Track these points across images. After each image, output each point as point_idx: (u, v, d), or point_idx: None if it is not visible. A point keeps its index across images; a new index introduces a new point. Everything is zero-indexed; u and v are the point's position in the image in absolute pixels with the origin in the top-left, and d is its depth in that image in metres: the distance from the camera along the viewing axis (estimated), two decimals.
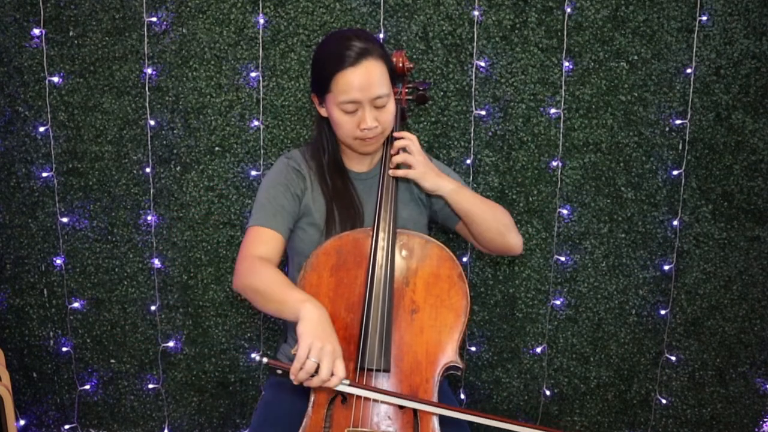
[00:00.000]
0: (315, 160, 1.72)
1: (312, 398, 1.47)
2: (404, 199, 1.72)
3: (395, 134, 1.66)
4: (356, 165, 1.73)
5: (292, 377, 1.34)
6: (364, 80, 1.54)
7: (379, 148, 1.68)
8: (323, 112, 1.66)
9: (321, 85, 1.60)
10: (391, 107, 1.61)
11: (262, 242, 1.61)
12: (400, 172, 1.63)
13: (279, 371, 1.36)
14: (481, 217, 1.67)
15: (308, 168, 1.71)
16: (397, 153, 1.66)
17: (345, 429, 1.43)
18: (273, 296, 1.46)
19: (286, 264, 1.86)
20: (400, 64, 1.70)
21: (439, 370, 1.49)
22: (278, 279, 1.49)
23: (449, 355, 1.50)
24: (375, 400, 1.45)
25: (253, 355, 1.37)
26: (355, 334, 1.50)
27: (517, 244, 1.73)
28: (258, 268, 1.52)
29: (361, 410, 1.45)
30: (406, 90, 1.73)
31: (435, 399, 1.48)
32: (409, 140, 1.65)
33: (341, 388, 1.37)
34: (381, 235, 1.56)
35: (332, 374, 1.34)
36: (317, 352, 1.33)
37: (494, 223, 1.69)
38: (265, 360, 1.36)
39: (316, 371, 1.34)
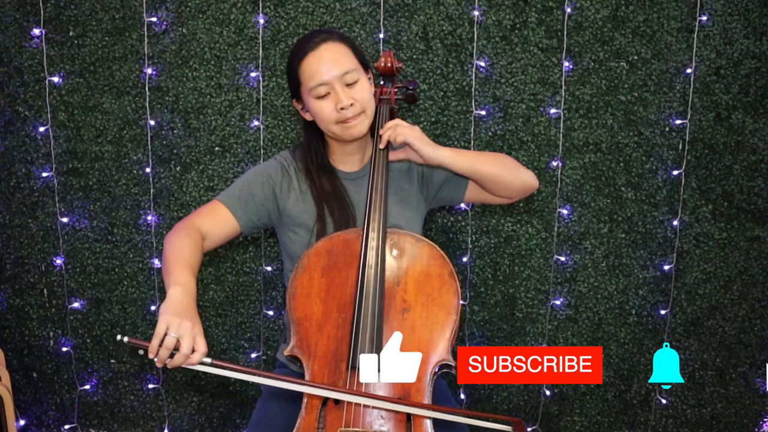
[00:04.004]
0: (303, 164, 1.72)
1: (305, 399, 1.47)
2: (395, 198, 1.71)
3: (381, 131, 1.65)
4: (345, 165, 1.73)
5: (151, 355, 1.33)
6: (327, 59, 1.57)
7: (364, 131, 1.65)
8: (307, 116, 1.67)
9: (294, 83, 1.63)
10: (364, 84, 1.62)
11: (212, 216, 1.63)
12: (400, 138, 1.60)
13: (141, 351, 1.34)
14: (490, 169, 1.65)
15: (296, 170, 1.71)
16: (386, 146, 1.65)
17: (338, 429, 1.43)
18: (166, 266, 1.48)
19: (282, 266, 1.86)
20: (389, 64, 1.71)
21: (431, 369, 1.49)
22: (181, 254, 1.50)
23: (441, 353, 1.50)
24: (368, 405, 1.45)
25: (118, 338, 1.34)
26: (347, 334, 1.50)
27: (532, 178, 1.70)
28: (181, 235, 1.55)
29: (353, 410, 1.45)
30: (395, 89, 1.73)
31: (428, 398, 1.47)
32: (390, 127, 1.61)
33: (202, 368, 1.35)
34: (371, 234, 1.56)
35: (193, 350, 1.33)
36: (176, 327, 1.32)
37: (503, 168, 1.67)
38: (126, 339, 1.32)
39: (177, 349, 1.32)
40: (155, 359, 1.33)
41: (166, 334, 1.32)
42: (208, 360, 1.36)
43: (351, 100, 1.58)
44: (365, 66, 1.65)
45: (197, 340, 1.34)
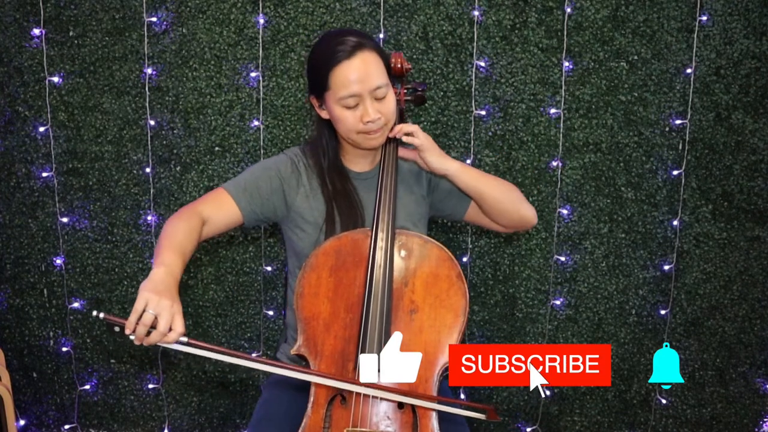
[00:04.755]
0: (314, 161, 1.71)
1: (311, 398, 1.47)
2: (404, 200, 1.71)
3: (392, 132, 1.65)
4: (356, 165, 1.73)
5: (128, 331, 1.30)
6: (362, 72, 1.54)
7: (383, 142, 1.65)
8: (324, 114, 1.65)
9: (319, 84, 1.59)
10: (391, 98, 1.60)
11: (215, 203, 1.63)
12: (409, 140, 1.61)
13: (116, 328, 1.31)
14: (492, 192, 1.65)
15: (306, 167, 1.70)
16: (396, 139, 1.66)
17: (344, 429, 1.43)
18: (157, 248, 1.47)
19: (285, 264, 1.86)
20: (399, 65, 1.70)
21: (438, 371, 1.49)
22: (174, 237, 1.49)
23: (448, 355, 1.50)
24: (375, 397, 1.45)
25: (94, 314, 1.32)
26: (354, 334, 1.50)
27: (531, 215, 1.71)
28: (179, 220, 1.54)
29: (360, 410, 1.45)
30: (405, 91, 1.73)
31: None
32: (410, 128, 1.63)
33: (178, 347, 1.34)
34: (380, 235, 1.55)
35: (171, 330, 1.32)
36: (155, 305, 1.30)
37: (506, 195, 1.67)
38: (101, 315, 1.30)
39: (154, 328, 1.31)
40: (132, 336, 1.31)
41: (144, 311, 1.30)
42: (185, 339, 1.34)
43: (378, 115, 1.57)
44: (390, 74, 1.63)
45: (175, 319, 1.32)
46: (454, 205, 1.76)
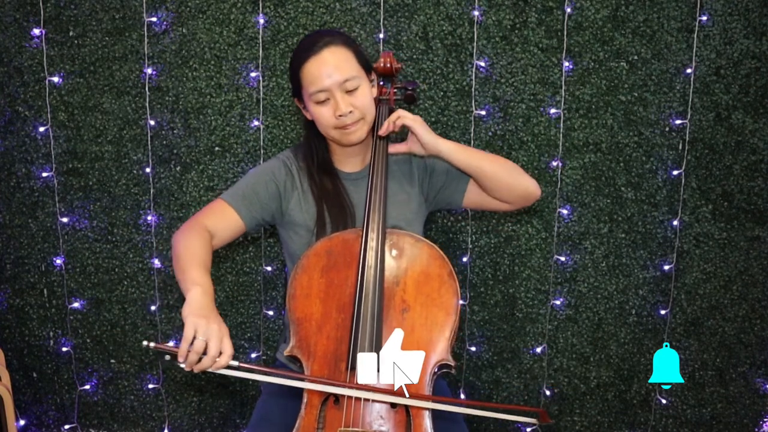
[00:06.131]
0: (304, 163, 1.72)
1: (304, 399, 1.47)
2: (395, 199, 1.71)
3: (382, 130, 1.65)
4: (347, 165, 1.73)
5: (180, 360, 1.32)
6: (329, 66, 1.56)
7: (363, 137, 1.65)
8: (308, 115, 1.67)
9: (295, 84, 1.63)
10: (364, 90, 1.61)
11: (218, 215, 1.64)
12: (400, 122, 1.61)
13: (167, 356, 1.33)
14: (490, 168, 1.65)
15: (298, 169, 1.71)
16: (386, 136, 1.66)
17: (338, 429, 1.43)
18: (181, 265, 1.48)
19: (283, 266, 1.86)
20: (388, 65, 1.71)
21: (431, 369, 1.49)
22: (195, 253, 1.50)
23: (440, 353, 1.50)
24: (366, 400, 1.45)
25: (144, 344, 1.33)
26: (347, 334, 1.50)
27: (534, 186, 1.70)
28: (191, 234, 1.55)
29: (353, 410, 1.45)
30: (395, 90, 1.74)
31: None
32: (395, 115, 1.63)
33: (229, 372, 1.34)
34: (371, 235, 1.55)
35: (221, 353, 1.33)
36: (204, 330, 1.32)
37: (504, 168, 1.67)
38: (152, 345, 1.31)
39: (205, 352, 1.31)
40: (183, 364, 1.32)
41: (194, 338, 1.31)
42: (235, 363, 1.35)
43: (350, 108, 1.58)
44: (368, 69, 1.65)
45: (224, 342, 1.33)
46: (453, 188, 1.75)
